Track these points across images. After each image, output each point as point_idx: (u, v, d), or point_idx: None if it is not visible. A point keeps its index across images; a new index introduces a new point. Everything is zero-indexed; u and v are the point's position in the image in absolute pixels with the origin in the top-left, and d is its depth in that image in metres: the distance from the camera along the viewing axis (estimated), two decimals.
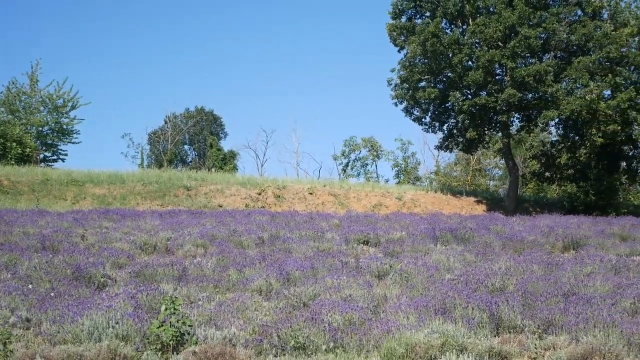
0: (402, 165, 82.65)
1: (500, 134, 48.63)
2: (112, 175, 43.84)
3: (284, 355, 11.69)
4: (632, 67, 46.81)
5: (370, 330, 12.33)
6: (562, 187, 54.97)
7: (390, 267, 18.88)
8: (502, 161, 62.23)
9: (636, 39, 47.31)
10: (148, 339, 11.81)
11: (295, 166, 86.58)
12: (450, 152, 59.08)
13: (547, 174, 52.42)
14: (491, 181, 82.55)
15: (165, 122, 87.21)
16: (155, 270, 18.26)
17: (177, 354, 11.44)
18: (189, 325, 11.98)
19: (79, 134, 77.64)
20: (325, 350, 11.68)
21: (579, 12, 45.69)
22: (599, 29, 44.10)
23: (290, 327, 12.27)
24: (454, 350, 10.81)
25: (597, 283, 16.68)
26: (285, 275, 17.75)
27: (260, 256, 21.04)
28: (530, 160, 58.81)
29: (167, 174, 46.28)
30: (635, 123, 45.31)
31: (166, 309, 11.83)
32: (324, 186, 46.82)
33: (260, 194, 43.56)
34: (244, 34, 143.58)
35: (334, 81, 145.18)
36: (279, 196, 43.64)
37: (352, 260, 20.12)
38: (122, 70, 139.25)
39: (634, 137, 46.44)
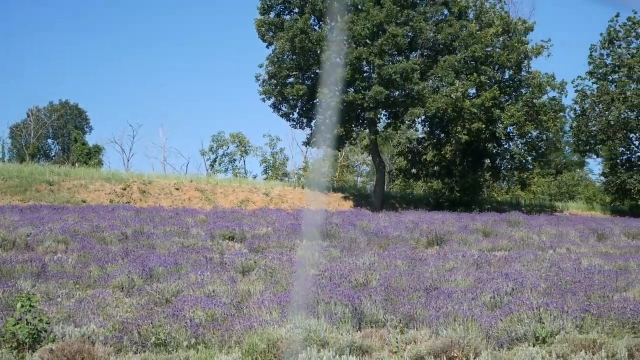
0: (271, 161, 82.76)
1: (367, 130, 49.12)
2: None
3: (144, 352, 11.53)
4: (497, 67, 48.26)
5: (232, 326, 12.28)
6: (428, 183, 56.08)
7: (255, 262, 18.92)
8: (370, 158, 63.00)
9: (500, 38, 48.74)
10: (3, 337, 11.51)
11: (162, 161, 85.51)
12: (318, 148, 59.46)
13: (413, 170, 53.29)
14: (359, 177, 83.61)
15: (28, 116, 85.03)
16: (13, 267, 17.85)
17: (34, 352, 11.17)
18: (46, 323, 11.73)
19: None
20: (187, 346, 11.58)
21: (446, 12, 46.73)
22: (464, 29, 45.27)
23: (151, 323, 12.12)
24: (316, 345, 10.88)
25: (459, 278, 17.11)
26: (148, 271, 17.55)
27: (123, 252, 20.76)
28: (397, 157, 59.68)
29: (28, 169, 44.90)
30: (499, 121, 46.65)
31: (22, 306, 11.54)
32: (191, 181, 46.40)
33: (125, 189, 42.78)
34: (109, 27, 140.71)
35: (203, 76, 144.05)
36: (145, 191, 42.97)
37: (216, 256, 20.05)
38: None
39: (497, 135, 47.79)
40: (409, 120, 46.22)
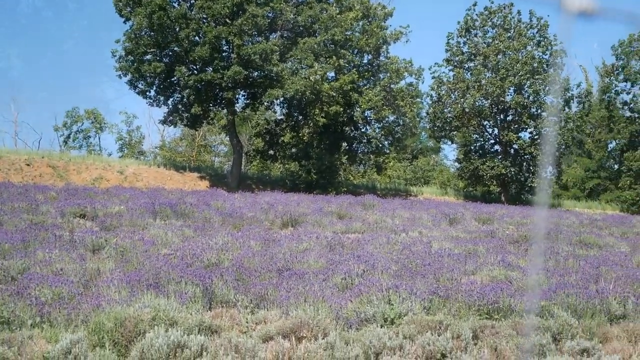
0: (126, 139, 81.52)
1: (225, 110, 48.97)
2: None
3: None
4: (356, 51, 48.94)
5: (80, 305, 12.08)
6: (286, 165, 56.44)
7: (106, 241, 18.64)
8: (228, 138, 62.82)
9: (360, 23, 49.44)
10: None
11: (13, 136, 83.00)
12: (175, 126, 58.93)
13: (270, 152, 53.59)
14: (216, 158, 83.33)
15: None
16: None
17: None
18: None
19: None
20: (31, 325, 11.33)
21: None
22: (325, 12, 45.67)
23: None
24: (164, 324, 10.84)
25: (312, 259, 17.29)
26: None
27: None
28: (255, 138, 59.79)
29: None
30: (357, 105, 47.38)
31: None
32: (43, 157, 45.22)
33: None
34: None
35: (57, 51, 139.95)
36: None
37: (66, 234, 19.62)
38: None
39: (354, 118, 48.54)
40: (267, 102, 46.35)
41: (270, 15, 44.26)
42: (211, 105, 47.38)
